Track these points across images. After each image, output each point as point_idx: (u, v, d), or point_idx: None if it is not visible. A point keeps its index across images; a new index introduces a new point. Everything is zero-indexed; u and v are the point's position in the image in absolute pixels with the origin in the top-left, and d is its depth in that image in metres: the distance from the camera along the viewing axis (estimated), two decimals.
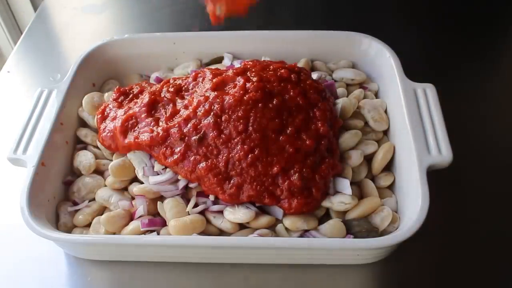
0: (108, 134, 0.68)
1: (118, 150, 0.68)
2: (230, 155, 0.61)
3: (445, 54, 0.93)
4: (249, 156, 0.60)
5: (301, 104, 0.64)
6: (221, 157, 0.61)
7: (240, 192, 0.61)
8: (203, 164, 0.61)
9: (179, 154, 0.62)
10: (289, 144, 0.61)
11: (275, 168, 0.60)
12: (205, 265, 0.63)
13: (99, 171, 0.70)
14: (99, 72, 0.82)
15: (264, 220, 0.61)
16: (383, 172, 0.67)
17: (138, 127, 0.66)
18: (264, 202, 0.61)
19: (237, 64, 0.76)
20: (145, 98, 0.69)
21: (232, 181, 0.61)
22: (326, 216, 0.64)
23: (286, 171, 0.61)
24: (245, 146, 0.60)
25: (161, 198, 0.65)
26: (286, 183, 0.60)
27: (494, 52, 0.94)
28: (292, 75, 0.67)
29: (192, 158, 0.62)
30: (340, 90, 0.75)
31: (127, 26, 1.08)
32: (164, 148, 0.63)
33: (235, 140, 0.61)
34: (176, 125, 0.63)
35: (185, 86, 0.70)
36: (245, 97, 0.62)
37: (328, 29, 0.82)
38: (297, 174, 0.60)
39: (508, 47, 0.95)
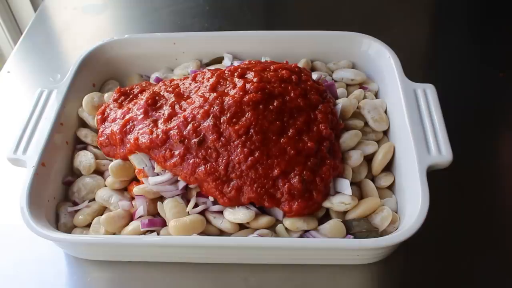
0: (106, 140, 0.68)
1: (115, 157, 0.68)
2: (230, 157, 0.61)
3: (445, 54, 0.93)
4: (250, 158, 0.60)
5: (302, 105, 0.64)
6: (220, 160, 0.61)
7: (240, 195, 0.61)
8: (202, 168, 0.61)
9: (178, 157, 0.62)
10: (290, 146, 0.61)
11: (276, 171, 0.60)
12: (205, 265, 0.63)
13: (99, 171, 0.70)
14: (99, 72, 0.82)
15: (264, 220, 0.61)
16: (383, 172, 0.67)
17: (136, 129, 0.66)
18: (264, 204, 0.61)
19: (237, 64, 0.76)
20: (144, 99, 0.69)
21: (232, 184, 0.61)
22: (326, 216, 0.64)
23: (287, 174, 0.60)
24: (245, 149, 0.60)
25: (161, 199, 0.65)
26: (286, 185, 0.60)
27: (495, 52, 0.94)
28: (293, 76, 0.67)
29: (191, 161, 0.62)
30: (340, 91, 0.75)
31: (127, 26, 1.08)
32: (164, 151, 0.63)
33: (235, 142, 0.61)
34: (176, 127, 0.63)
35: (185, 87, 0.70)
36: (245, 98, 0.62)
37: (328, 29, 0.82)
38: (297, 177, 0.60)
39: (508, 47, 0.95)
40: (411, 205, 0.59)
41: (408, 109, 0.66)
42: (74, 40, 1.03)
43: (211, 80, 0.67)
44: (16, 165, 0.66)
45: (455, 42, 0.96)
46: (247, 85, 0.64)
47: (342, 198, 0.61)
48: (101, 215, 0.65)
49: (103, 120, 0.71)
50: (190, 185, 0.64)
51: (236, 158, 0.60)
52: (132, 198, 0.66)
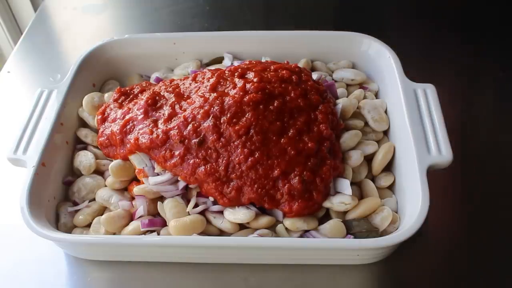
0: (106, 140, 0.68)
1: (115, 158, 0.68)
2: (230, 158, 0.61)
3: (445, 54, 0.93)
4: (250, 159, 0.60)
5: (302, 105, 0.64)
6: (220, 160, 0.61)
7: (240, 195, 0.61)
8: (202, 169, 0.61)
9: (178, 157, 0.62)
10: (291, 146, 0.61)
11: (276, 171, 0.60)
12: (205, 265, 0.63)
13: (99, 171, 0.70)
14: (99, 72, 0.82)
15: (264, 220, 0.61)
16: (383, 172, 0.67)
17: (137, 129, 0.66)
18: (265, 206, 0.61)
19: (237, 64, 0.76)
20: (144, 99, 0.69)
21: (232, 184, 0.61)
22: (326, 216, 0.64)
23: (287, 174, 0.60)
24: (245, 149, 0.60)
25: (161, 199, 0.65)
26: (286, 186, 0.60)
27: (495, 52, 0.94)
28: (293, 76, 0.67)
29: (191, 161, 0.62)
30: (340, 91, 0.75)
31: (127, 26, 1.09)
32: (164, 151, 0.63)
33: (235, 143, 0.61)
34: (176, 127, 0.63)
35: (185, 87, 0.70)
36: (245, 99, 0.62)
37: (328, 29, 0.82)
38: (297, 177, 0.60)
39: (509, 47, 0.95)
40: (411, 205, 0.59)
41: (408, 109, 0.66)
42: (74, 40, 1.03)
43: (211, 80, 0.67)
44: (16, 165, 0.66)
45: (455, 42, 0.96)
46: (247, 85, 0.64)
47: (342, 198, 0.61)
48: (101, 215, 0.65)
49: (103, 120, 0.71)
50: (190, 185, 0.64)
51: (236, 159, 0.60)
52: (132, 198, 0.66)
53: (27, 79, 0.95)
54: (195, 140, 0.62)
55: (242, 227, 0.62)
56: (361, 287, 0.62)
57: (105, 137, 0.69)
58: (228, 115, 0.62)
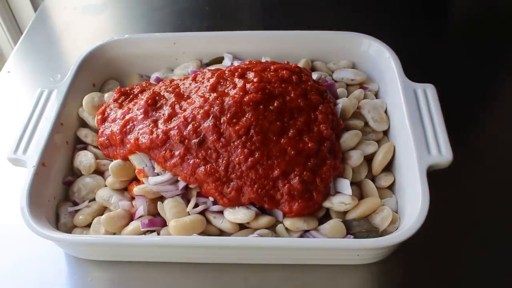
0: (106, 140, 0.68)
1: (115, 158, 0.68)
2: (230, 158, 0.61)
3: (445, 54, 0.93)
4: (250, 159, 0.60)
5: (302, 105, 0.64)
6: (220, 160, 0.61)
7: (240, 195, 0.61)
8: (202, 169, 0.61)
9: (178, 157, 0.62)
10: (291, 146, 0.61)
11: (276, 171, 0.60)
12: (205, 265, 0.63)
13: (99, 171, 0.70)
14: (99, 72, 0.82)
15: (264, 220, 0.61)
16: (383, 172, 0.67)
17: (137, 129, 0.66)
18: (265, 206, 0.61)
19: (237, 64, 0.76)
20: (144, 99, 0.69)
21: (232, 184, 0.61)
22: (326, 216, 0.64)
23: (287, 174, 0.60)
24: (245, 149, 0.60)
25: (161, 199, 0.65)
26: (286, 186, 0.60)
27: (495, 51, 0.94)
28: (293, 76, 0.67)
29: (191, 162, 0.62)
30: (340, 91, 0.75)
31: (127, 26, 1.09)
32: (164, 151, 0.63)
33: (235, 143, 0.61)
34: (176, 128, 0.63)
35: (185, 87, 0.70)
36: (245, 99, 0.62)
37: (328, 29, 0.82)
38: (297, 178, 0.60)
39: (508, 46, 0.95)
40: (411, 205, 0.59)
41: (408, 109, 0.66)
42: (74, 40, 1.03)
43: (211, 80, 0.67)
44: (16, 165, 0.66)
45: (455, 42, 0.96)
46: (247, 85, 0.64)
47: (342, 198, 0.61)
48: (101, 215, 0.65)
49: (103, 120, 0.71)
50: (190, 185, 0.64)
51: (236, 159, 0.60)
52: (132, 198, 0.66)
53: (27, 79, 0.95)
54: (195, 140, 0.62)
55: (242, 227, 0.62)
56: (361, 287, 0.62)
57: (105, 137, 0.69)
58: (228, 115, 0.62)
